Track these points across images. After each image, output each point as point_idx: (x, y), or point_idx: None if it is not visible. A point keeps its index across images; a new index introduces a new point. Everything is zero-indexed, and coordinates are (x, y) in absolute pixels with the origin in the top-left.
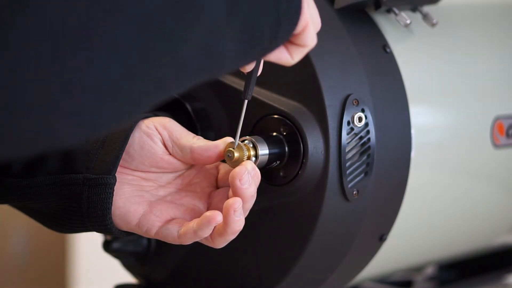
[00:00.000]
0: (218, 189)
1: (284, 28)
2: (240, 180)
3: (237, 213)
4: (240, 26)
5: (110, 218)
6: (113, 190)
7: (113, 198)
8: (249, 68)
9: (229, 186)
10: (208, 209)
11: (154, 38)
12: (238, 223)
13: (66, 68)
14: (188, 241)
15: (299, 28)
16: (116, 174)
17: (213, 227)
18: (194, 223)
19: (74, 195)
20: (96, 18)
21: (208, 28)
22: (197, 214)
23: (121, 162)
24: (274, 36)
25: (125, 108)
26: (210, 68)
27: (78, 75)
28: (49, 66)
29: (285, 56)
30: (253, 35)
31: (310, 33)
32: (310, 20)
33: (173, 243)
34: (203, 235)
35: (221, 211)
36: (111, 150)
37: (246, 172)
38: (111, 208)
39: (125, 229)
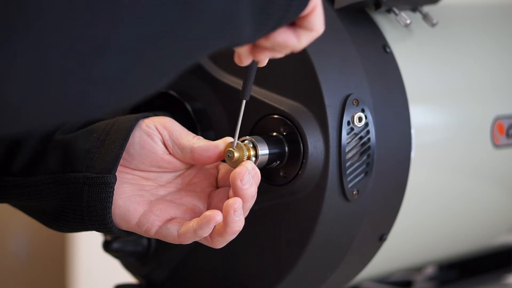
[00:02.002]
0: (218, 189)
1: (296, 3)
2: (241, 180)
3: (237, 213)
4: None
5: (110, 217)
6: (113, 189)
7: (113, 197)
8: (243, 62)
9: (229, 186)
10: (208, 209)
11: (176, 4)
12: (238, 223)
13: (94, 31)
14: (187, 240)
15: (309, 7)
16: (116, 173)
17: (213, 227)
18: (194, 223)
19: (74, 194)
20: None
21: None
22: (197, 214)
23: (121, 161)
24: (286, 9)
25: (152, 74)
26: (229, 37)
27: (104, 38)
28: (77, 28)
29: (292, 40)
30: (266, 7)
31: (319, 16)
32: (319, 5)
33: (173, 242)
34: (203, 234)
35: (221, 211)
36: (111, 149)
37: (247, 172)
38: (111, 207)
39: (125, 228)
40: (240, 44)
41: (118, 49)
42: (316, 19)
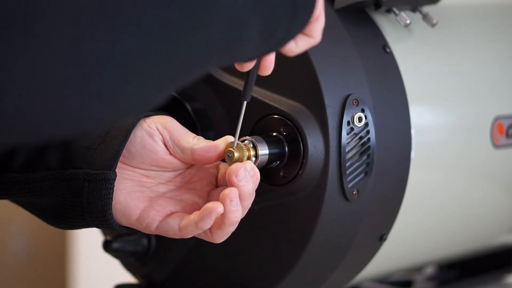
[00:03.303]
0: (217, 188)
1: (299, 19)
2: (236, 176)
3: (233, 203)
4: (262, 15)
5: (111, 213)
6: (113, 185)
7: (114, 193)
8: (244, 68)
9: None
10: None
11: (179, 19)
12: (235, 213)
13: (95, 41)
14: (189, 234)
15: (313, 16)
16: (117, 170)
17: (214, 219)
18: (195, 215)
19: (74, 191)
20: None
21: (233, 14)
22: (196, 210)
23: (121, 159)
24: (290, 26)
25: (151, 88)
26: (232, 54)
27: (105, 50)
28: (78, 37)
29: (290, 44)
30: (272, 25)
31: (320, 25)
32: (322, 13)
33: (174, 237)
34: (205, 227)
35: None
36: (111, 145)
37: (243, 168)
38: (111, 203)
39: (125, 224)
40: (241, 60)
41: (119, 61)
42: (317, 28)
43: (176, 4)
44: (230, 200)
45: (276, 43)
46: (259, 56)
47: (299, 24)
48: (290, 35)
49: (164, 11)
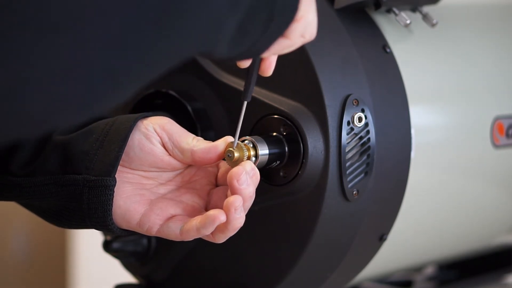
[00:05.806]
0: (217, 187)
1: (276, 24)
2: (237, 180)
3: (237, 211)
4: (236, 17)
5: (111, 219)
6: (113, 191)
7: (114, 198)
8: (243, 64)
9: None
10: (207, 206)
11: (153, 25)
12: (239, 220)
13: (62, 51)
14: (190, 238)
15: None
16: (116, 174)
17: (216, 226)
18: (197, 221)
19: (74, 196)
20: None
21: (210, 18)
22: (196, 211)
23: (120, 162)
24: (265, 30)
25: (119, 95)
26: (204, 54)
27: (72, 60)
28: (47, 49)
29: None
30: (244, 27)
31: (299, 27)
32: (307, 15)
33: (175, 240)
34: (206, 233)
35: (221, 209)
36: (110, 150)
37: (244, 172)
38: (111, 209)
39: (125, 227)
40: (211, 57)
41: (86, 71)
42: (295, 29)
43: (150, 8)
44: (235, 209)
45: (251, 46)
46: (233, 59)
47: (277, 29)
48: (267, 39)
49: (136, 16)
